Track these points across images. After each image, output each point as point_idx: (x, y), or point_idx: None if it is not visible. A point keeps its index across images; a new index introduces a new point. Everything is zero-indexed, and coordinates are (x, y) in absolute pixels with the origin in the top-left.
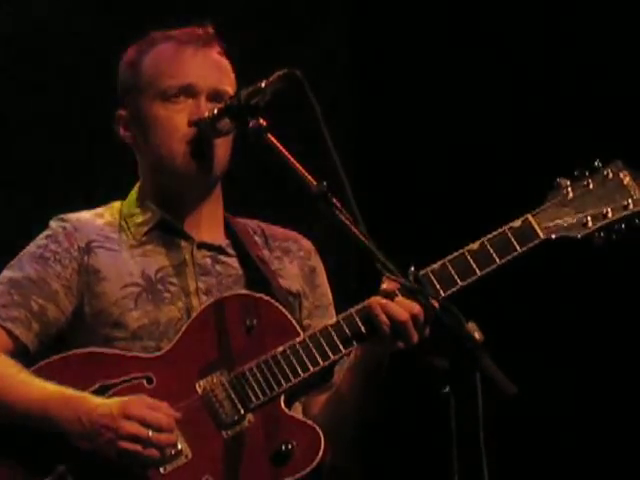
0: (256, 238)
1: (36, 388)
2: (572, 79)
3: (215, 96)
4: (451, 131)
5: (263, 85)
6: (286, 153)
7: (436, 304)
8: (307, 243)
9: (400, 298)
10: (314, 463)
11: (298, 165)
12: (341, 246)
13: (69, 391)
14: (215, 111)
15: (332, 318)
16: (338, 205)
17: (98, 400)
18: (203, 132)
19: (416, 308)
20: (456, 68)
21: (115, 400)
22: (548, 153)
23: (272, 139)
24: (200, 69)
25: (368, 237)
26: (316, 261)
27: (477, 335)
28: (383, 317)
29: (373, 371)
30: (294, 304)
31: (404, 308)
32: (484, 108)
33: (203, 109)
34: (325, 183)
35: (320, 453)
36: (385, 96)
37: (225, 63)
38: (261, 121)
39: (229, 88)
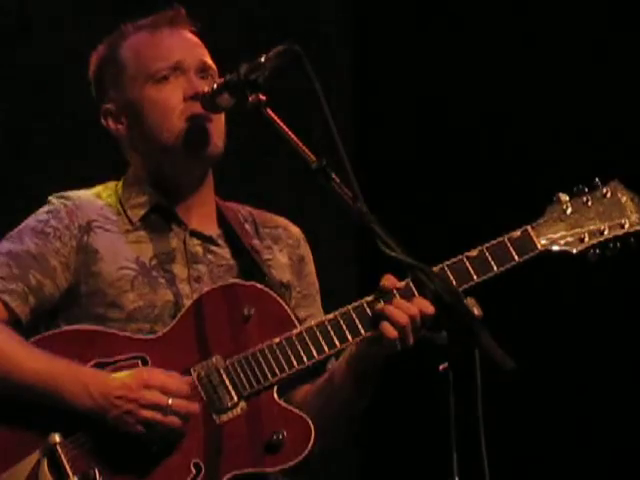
0: (247, 226)
1: (43, 361)
2: (577, 90)
3: (203, 69)
4: (451, 135)
5: (263, 60)
6: (286, 128)
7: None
8: (296, 230)
9: (399, 300)
10: (303, 454)
11: (298, 140)
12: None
13: (76, 365)
14: (215, 86)
15: (319, 307)
16: (337, 180)
17: (108, 374)
18: (201, 106)
19: (414, 310)
20: (459, 68)
21: (127, 372)
22: (549, 164)
23: (272, 114)
24: (183, 46)
25: (368, 212)
26: (305, 249)
27: (476, 311)
28: (384, 322)
29: (366, 373)
30: (285, 295)
31: (403, 311)
32: (487, 108)
33: (195, 83)
34: (324, 158)
35: (310, 445)
36: (385, 95)
37: (200, 41)
38: (261, 96)
39: (212, 62)
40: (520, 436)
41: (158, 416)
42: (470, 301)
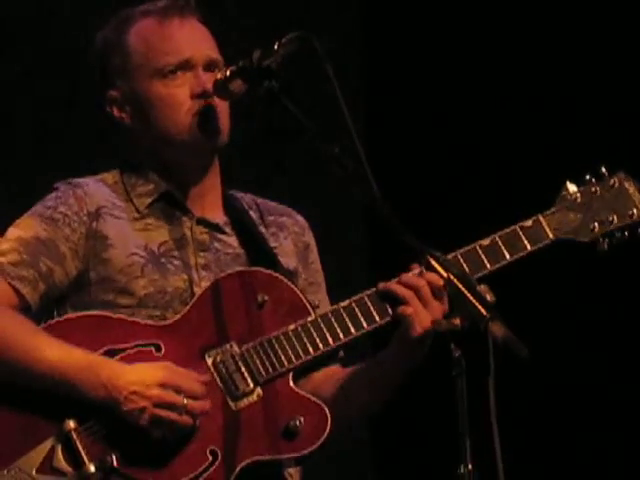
0: (251, 214)
1: (58, 350)
2: (586, 82)
3: (210, 65)
4: (461, 129)
5: (276, 47)
6: (299, 115)
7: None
8: (301, 218)
9: (404, 274)
10: (321, 440)
11: (312, 126)
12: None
13: (90, 354)
14: (228, 72)
15: (325, 295)
16: (351, 168)
17: (124, 366)
18: (215, 92)
19: (421, 281)
20: (469, 62)
21: (144, 366)
22: (555, 154)
23: (285, 101)
24: (192, 41)
25: (382, 200)
26: (309, 237)
27: (489, 297)
28: (398, 286)
29: (384, 384)
30: (294, 281)
31: (409, 281)
32: (497, 103)
33: (202, 80)
34: (338, 145)
35: (327, 431)
36: (398, 91)
37: (208, 31)
38: (274, 83)
39: (219, 56)
40: (533, 422)
41: (172, 415)
42: (483, 288)
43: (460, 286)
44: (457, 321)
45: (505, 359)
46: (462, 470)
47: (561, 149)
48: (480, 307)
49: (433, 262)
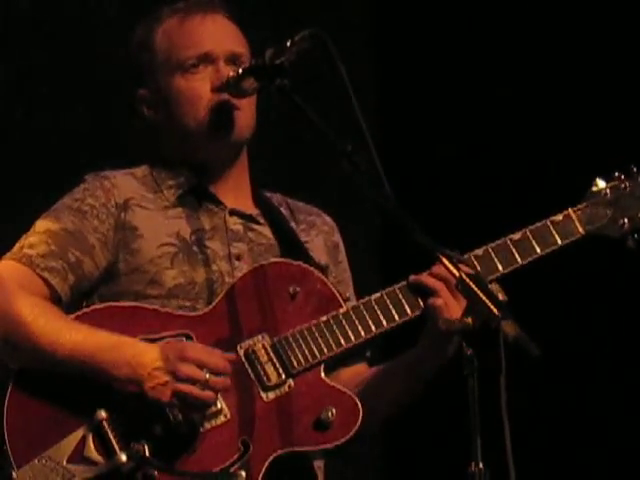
0: (282, 210)
1: (82, 332)
2: (613, 80)
3: (232, 59)
4: (477, 127)
5: (288, 45)
6: (311, 113)
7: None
8: (329, 219)
9: (435, 267)
10: (352, 432)
11: (324, 125)
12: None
13: (115, 335)
14: (240, 70)
15: (352, 293)
16: (364, 167)
17: (147, 344)
18: (227, 91)
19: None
20: (488, 60)
21: (168, 343)
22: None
23: (297, 98)
24: (213, 35)
25: (392, 198)
26: (338, 237)
27: (500, 296)
28: (428, 277)
29: (415, 379)
30: (325, 276)
31: (439, 273)
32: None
33: (223, 73)
34: (350, 144)
35: (359, 422)
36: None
37: (234, 26)
38: (286, 80)
39: (244, 50)
40: (545, 421)
41: (194, 390)
42: (495, 287)
43: (472, 285)
44: (469, 320)
45: (517, 358)
46: (473, 469)
47: (587, 147)
48: (492, 306)
49: (445, 261)
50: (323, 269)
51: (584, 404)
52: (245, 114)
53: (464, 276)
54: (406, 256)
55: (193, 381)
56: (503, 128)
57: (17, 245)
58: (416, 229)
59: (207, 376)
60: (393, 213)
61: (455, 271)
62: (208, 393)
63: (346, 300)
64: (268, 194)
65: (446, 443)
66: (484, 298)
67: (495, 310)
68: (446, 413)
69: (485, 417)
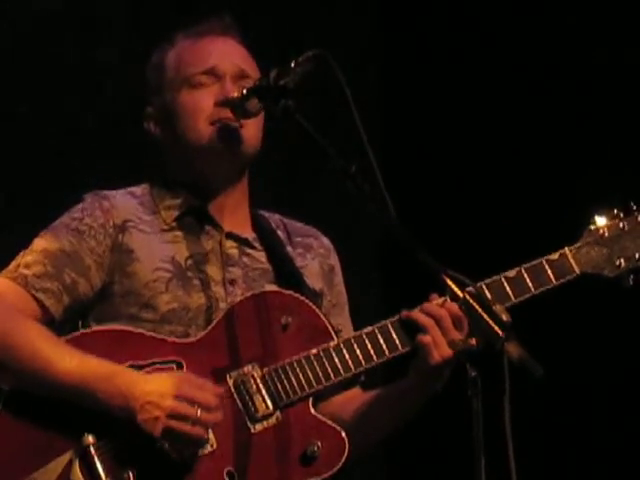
0: (279, 233)
1: (76, 360)
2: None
3: (240, 76)
4: (483, 152)
5: (292, 65)
6: (316, 134)
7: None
8: (326, 241)
9: (426, 304)
10: (337, 467)
11: (328, 146)
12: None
13: (110, 364)
14: (244, 91)
15: (348, 317)
16: (367, 188)
17: (141, 375)
18: (231, 111)
19: (442, 312)
20: (492, 80)
21: (161, 376)
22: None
23: (301, 120)
24: (221, 51)
25: (397, 220)
26: (334, 260)
27: (504, 317)
28: (419, 314)
29: (404, 409)
30: (318, 303)
31: (431, 310)
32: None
33: (229, 89)
34: (355, 165)
35: (344, 458)
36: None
37: (245, 49)
38: (290, 102)
39: (251, 71)
40: (548, 441)
41: (184, 427)
42: (499, 308)
43: (476, 306)
44: (473, 341)
45: (521, 379)
46: None
47: (589, 178)
48: (496, 327)
49: (449, 281)
50: (317, 295)
51: (589, 424)
52: (249, 132)
53: (467, 297)
54: (407, 272)
55: (184, 418)
56: (508, 148)
57: (14, 263)
58: (420, 250)
59: (198, 413)
60: (397, 234)
61: (459, 292)
62: (198, 430)
63: (338, 332)
64: (266, 214)
65: (450, 463)
66: (488, 319)
67: (499, 331)
68: (450, 433)
69: (489, 437)
